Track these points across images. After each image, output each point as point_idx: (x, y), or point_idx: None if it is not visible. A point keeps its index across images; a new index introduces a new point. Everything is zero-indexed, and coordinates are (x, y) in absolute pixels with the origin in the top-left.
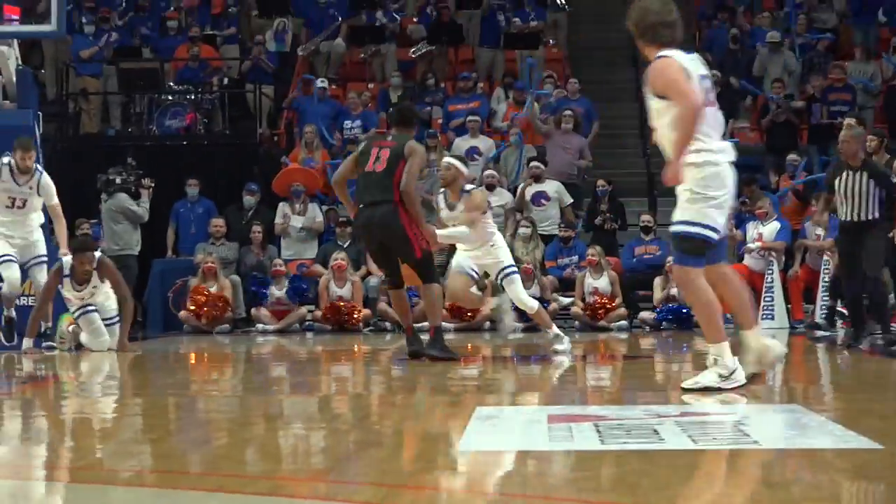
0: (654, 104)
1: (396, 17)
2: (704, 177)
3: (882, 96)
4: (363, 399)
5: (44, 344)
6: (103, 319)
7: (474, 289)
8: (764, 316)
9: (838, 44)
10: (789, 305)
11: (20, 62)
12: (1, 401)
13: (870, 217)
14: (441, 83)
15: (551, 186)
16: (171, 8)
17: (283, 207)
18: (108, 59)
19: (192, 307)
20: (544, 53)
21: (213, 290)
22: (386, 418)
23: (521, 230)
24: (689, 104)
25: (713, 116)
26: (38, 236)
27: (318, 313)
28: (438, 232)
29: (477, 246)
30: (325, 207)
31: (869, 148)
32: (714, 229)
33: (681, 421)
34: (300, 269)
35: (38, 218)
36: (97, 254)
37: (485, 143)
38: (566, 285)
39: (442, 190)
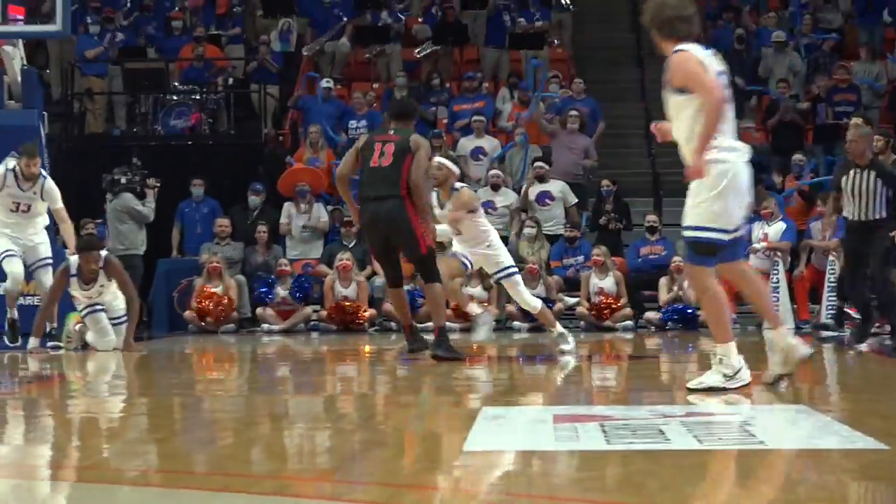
0: (672, 98)
1: (401, 17)
2: (717, 175)
3: (887, 96)
4: (368, 399)
5: (49, 344)
6: (111, 319)
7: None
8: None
9: (843, 44)
10: (795, 306)
11: (25, 62)
12: (6, 400)
13: (877, 216)
14: (446, 83)
15: (555, 186)
16: (176, 8)
17: (288, 207)
18: (114, 59)
19: (197, 308)
20: (549, 54)
21: (219, 290)
22: (391, 418)
23: (526, 230)
24: (714, 97)
25: (729, 115)
26: (43, 239)
27: (324, 313)
28: None
29: (472, 245)
30: (330, 207)
31: (875, 148)
32: (724, 231)
33: (686, 421)
34: (305, 269)
35: (43, 221)
36: (103, 253)
37: (490, 143)
38: (571, 285)
39: (435, 189)
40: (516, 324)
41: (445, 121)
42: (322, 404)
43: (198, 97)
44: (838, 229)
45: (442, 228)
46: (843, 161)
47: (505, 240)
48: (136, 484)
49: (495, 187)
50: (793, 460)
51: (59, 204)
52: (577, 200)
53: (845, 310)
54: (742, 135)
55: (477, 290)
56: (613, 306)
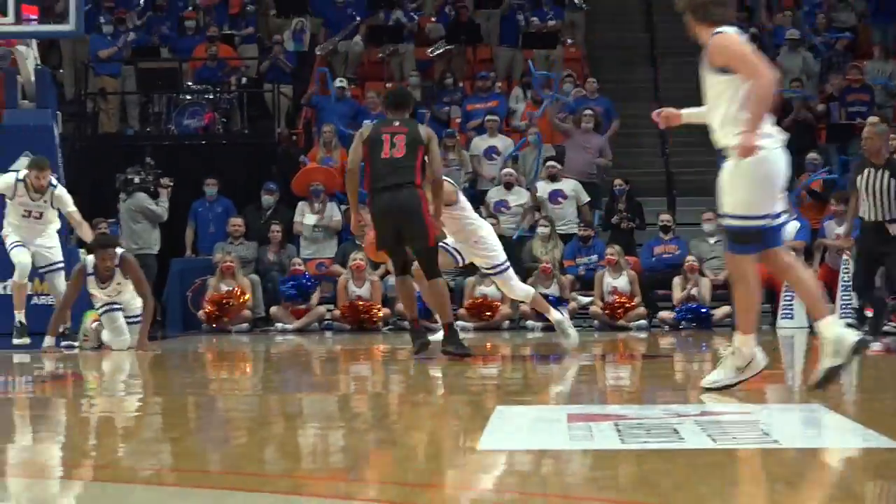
0: (713, 80)
1: (415, 16)
2: (752, 162)
3: None
4: (382, 398)
5: (63, 343)
6: (128, 318)
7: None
8: (783, 315)
9: (857, 43)
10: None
11: (39, 62)
12: (21, 400)
13: (892, 216)
14: (459, 83)
15: (568, 185)
16: (190, 8)
17: (301, 207)
18: (127, 58)
19: (210, 309)
20: (562, 53)
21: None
22: (405, 417)
23: (540, 229)
24: (766, 76)
25: None
26: (55, 243)
27: (337, 312)
28: None
29: (458, 239)
30: (343, 207)
31: (891, 147)
32: (759, 217)
33: (701, 420)
34: (319, 269)
35: (56, 226)
36: (119, 250)
37: (503, 143)
38: (585, 284)
39: None
40: (530, 323)
41: (459, 120)
42: (336, 403)
43: (211, 97)
44: (853, 229)
45: None
46: (858, 160)
47: (521, 239)
48: (150, 483)
49: (508, 186)
50: (807, 460)
51: (71, 207)
52: (589, 199)
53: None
54: None
55: (491, 290)
56: (627, 305)
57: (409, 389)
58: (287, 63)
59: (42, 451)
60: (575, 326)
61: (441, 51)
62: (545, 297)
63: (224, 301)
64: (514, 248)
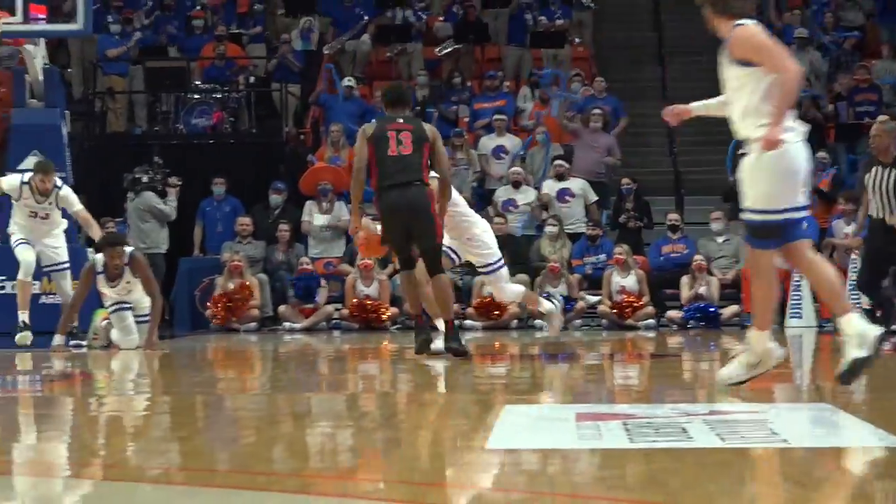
0: (734, 72)
1: (423, 15)
2: (772, 155)
3: None
4: (390, 397)
5: (71, 342)
6: (138, 316)
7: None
8: (792, 315)
9: (865, 42)
10: (817, 304)
11: (47, 61)
12: (29, 398)
13: None
14: (467, 82)
15: (576, 184)
16: (197, 7)
17: (309, 206)
18: (135, 58)
19: (217, 309)
20: (570, 52)
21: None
22: (413, 417)
23: (548, 229)
24: (792, 69)
25: None
26: (61, 244)
27: (345, 312)
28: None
29: (453, 236)
30: (351, 206)
31: None
32: (779, 211)
33: (709, 419)
34: (327, 268)
35: (63, 226)
36: (129, 249)
37: (511, 142)
38: (593, 284)
39: None
40: (538, 322)
41: (466, 119)
42: (344, 403)
43: (219, 96)
44: (863, 228)
45: None
46: (867, 158)
47: (529, 238)
48: (158, 482)
49: (516, 185)
50: (816, 458)
51: (78, 206)
52: (597, 198)
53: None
54: None
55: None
56: (635, 305)
57: (417, 388)
58: (295, 62)
59: (50, 449)
60: (583, 326)
61: (449, 50)
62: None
63: (229, 300)
64: (522, 247)
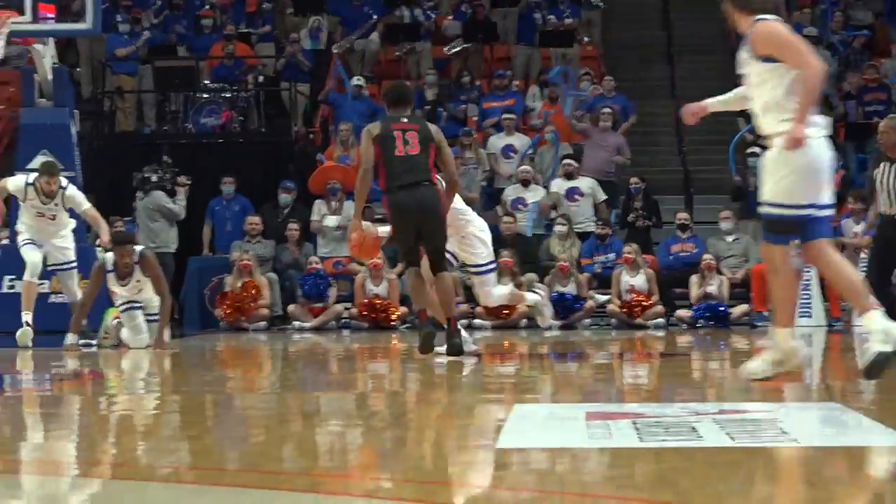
0: (756, 68)
1: (431, 14)
2: (799, 149)
3: None
4: (400, 396)
5: (80, 341)
6: (149, 315)
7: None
8: (801, 314)
9: (874, 41)
10: (826, 304)
11: (56, 60)
12: (40, 397)
13: None
14: (476, 81)
15: (585, 183)
16: (206, 6)
17: (319, 205)
18: (144, 57)
19: (225, 307)
20: (579, 51)
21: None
22: (423, 415)
23: (558, 228)
24: (815, 66)
25: None
26: (69, 244)
27: (355, 311)
28: (379, 228)
29: (450, 233)
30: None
31: None
32: (799, 207)
33: (719, 418)
34: (336, 267)
35: (71, 225)
36: (138, 247)
37: (520, 141)
38: (602, 283)
39: None
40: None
41: (475, 118)
42: (353, 402)
43: (228, 95)
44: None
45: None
46: (875, 154)
47: (538, 238)
48: (168, 481)
49: (525, 183)
50: (826, 458)
51: (86, 206)
52: (605, 197)
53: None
54: None
55: (508, 288)
56: (645, 304)
57: (426, 388)
58: (304, 61)
59: (60, 448)
60: (592, 325)
61: (458, 49)
62: (562, 295)
63: (236, 299)
64: (532, 246)
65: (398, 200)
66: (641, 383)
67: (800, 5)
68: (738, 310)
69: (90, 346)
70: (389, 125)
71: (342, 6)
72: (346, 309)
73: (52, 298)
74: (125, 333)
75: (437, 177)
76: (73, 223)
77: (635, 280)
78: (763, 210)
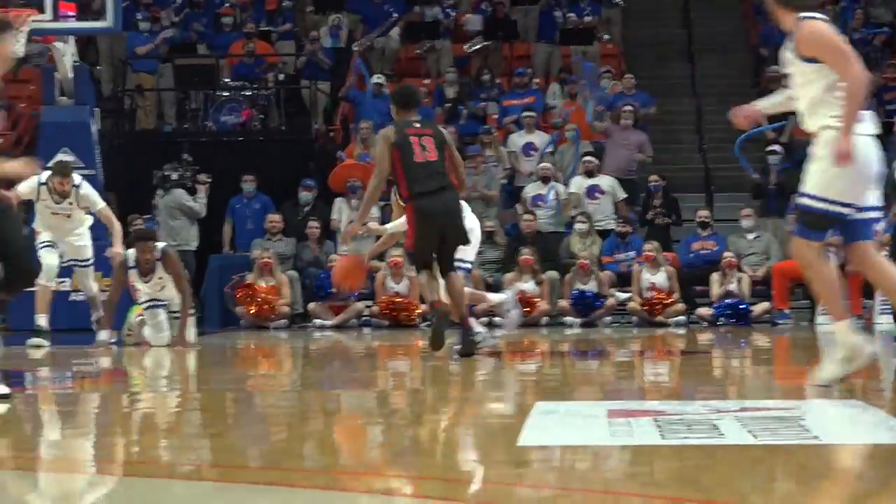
0: (800, 68)
1: (451, 12)
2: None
3: None
4: (420, 394)
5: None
6: (172, 312)
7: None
8: (822, 311)
9: (894, 39)
10: (847, 301)
11: (76, 58)
12: (62, 395)
13: None
14: (496, 79)
15: (605, 181)
16: (227, 4)
17: (339, 203)
18: (164, 55)
19: (248, 305)
20: (599, 49)
21: (271, 284)
22: (444, 413)
23: (578, 225)
24: (859, 75)
25: None
26: (86, 241)
27: (376, 309)
28: (387, 226)
29: None
30: (381, 203)
31: None
32: (841, 204)
33: (741, 416)
34: None
35: (88, 222)
36: (161, 244)
37: (540, 139)
38: (623, 280)
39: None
40: (568, 319)
41: (495, 116)
42: (374, 399)
43: (248, 93)
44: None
45: (395, 224)
46: (894, 153)
47: (558, 235)
48: (190, 478)
49: (545, 180)
50: (848, 455)
51: (101, 205)
52: (626, 195)
53: None
54: (794, 130)
55: (529, 286)
56: (665, 302)
57: (447, 385)
58: (324, 59)
59: (82, 446)
60: (613, 323)
61: (478, 47)
62: (583, 293)
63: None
64: (552, 244)
65: (424, 206)
66: (663, 381)
67: (820, 3)
68: (759, 307)
69: (110, 343)
70: (404, 130)
71: (362, 4)
72: (367, 307)
73: (73, 296)
74: (147, 331)
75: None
76: (89, 220)
77: (656, 278)
78: (801, 201)
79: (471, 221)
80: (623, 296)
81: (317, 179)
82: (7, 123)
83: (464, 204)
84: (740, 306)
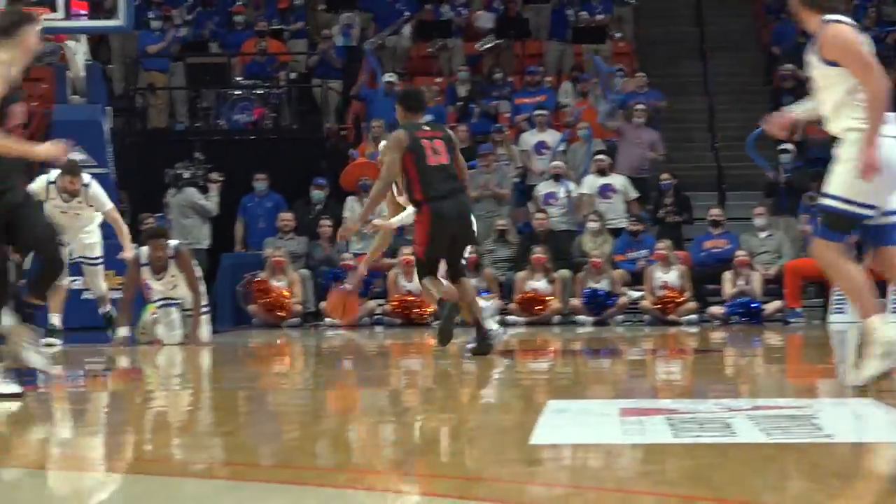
0: (822, 71)
1: (463, 11)
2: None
3: None
4: (433, 393)
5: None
6: (186, 310)
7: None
8: (834, 310)
9: None
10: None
11: (89, 57)
12: (76, 393)
13: None
14: (508, 77)
15: (617, 180)
16: (238, 3)
17: (351, 202)
18: (176, 54)
19: (261, 302)
20: (611, 47)
21: (282, 284)
22: (457, 412)
23: (590, 224)
24: (879, 85)
25: None
26: (95, 239)
27: (388, 307)
28: (392, 220)
29: None
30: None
31: None
32: (864, 206)
33: (753, 415)
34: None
35: (97, 220)
36: (174, 242)
37: (552, 137)
38: (636, 279)
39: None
40: (580, 317)
41: (507, 115)
42: (387, 398)
43: (260, 92)
44: None
45: (401, 216)
46: None
47: (570, 234)
48: (203, 476)
49: (557, 178)
50: (861, 454)
51: (109, 206)
52: (638, 194)
53: None
54: (806, 128)
55: (541, 284)
56: (678, 300)
57: (460, 384)
58: (336, 58)
59: (95, 443)
60: (625, 322)
61: (490, 45)
62: (595, 291)
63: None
64: (563, 242)
65: (441, 210)
66: (675, 379)
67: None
68: (772, 306)
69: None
70: (414, 133)
71: (374, 2)
72: (380, 305)
73: (85, 295)
74: (160, 329)
75: None
76: (99, 217)
77: (668, 276)
78: (823, 202)
79: None
80: (635, 294)
81: (329, 178)
82: (25, 118)
83: None
84: (752, 305)
